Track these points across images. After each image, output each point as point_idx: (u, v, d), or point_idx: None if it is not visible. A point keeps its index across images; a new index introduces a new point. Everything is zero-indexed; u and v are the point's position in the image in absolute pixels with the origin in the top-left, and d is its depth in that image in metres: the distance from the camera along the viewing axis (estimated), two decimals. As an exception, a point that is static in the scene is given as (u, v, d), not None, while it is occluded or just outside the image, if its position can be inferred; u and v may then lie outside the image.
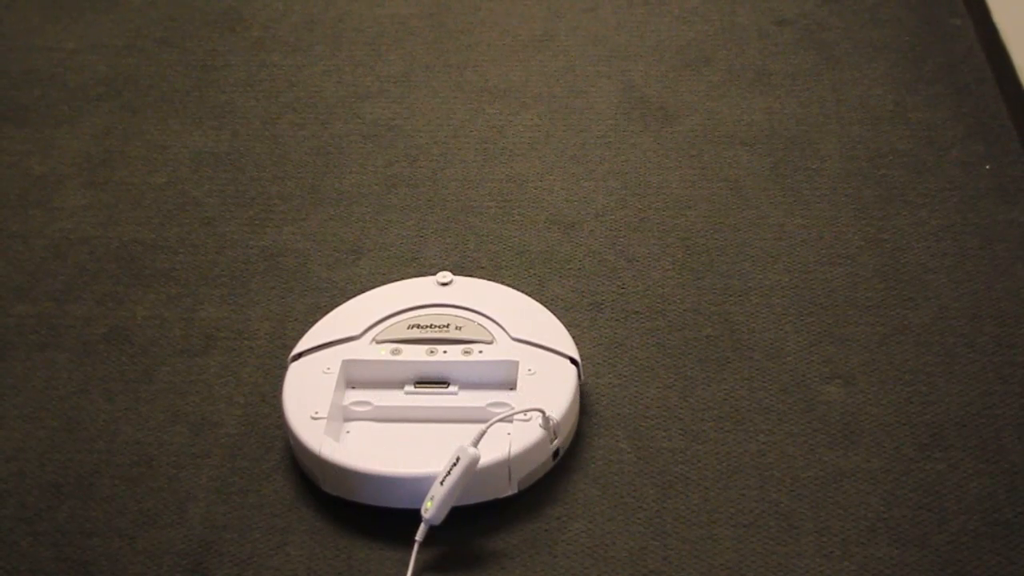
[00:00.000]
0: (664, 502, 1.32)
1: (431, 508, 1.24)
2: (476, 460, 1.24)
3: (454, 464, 1.24)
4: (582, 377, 1.40)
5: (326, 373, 1.38)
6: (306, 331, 1.46)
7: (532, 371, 1.36)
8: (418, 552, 1.25)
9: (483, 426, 1.26)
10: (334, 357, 1.39)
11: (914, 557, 1.25)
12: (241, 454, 1.40)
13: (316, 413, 1.33)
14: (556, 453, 1.34)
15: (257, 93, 1.96)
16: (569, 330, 1.49)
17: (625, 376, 1.46)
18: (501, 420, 1.28)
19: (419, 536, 1.25)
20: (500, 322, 1.42)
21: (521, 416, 1.30)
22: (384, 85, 1.96)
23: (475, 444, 1.25)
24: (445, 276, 1.47)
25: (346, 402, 1.38)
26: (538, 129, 1.84)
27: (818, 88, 1.88)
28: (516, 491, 1.30)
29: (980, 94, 1.84)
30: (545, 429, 1.30)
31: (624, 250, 1.63)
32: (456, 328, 1.41)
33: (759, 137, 1.80)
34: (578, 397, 1.38)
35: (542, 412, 1.30)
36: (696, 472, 1.34)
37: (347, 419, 1.37)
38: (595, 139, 1.82)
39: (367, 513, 1.30)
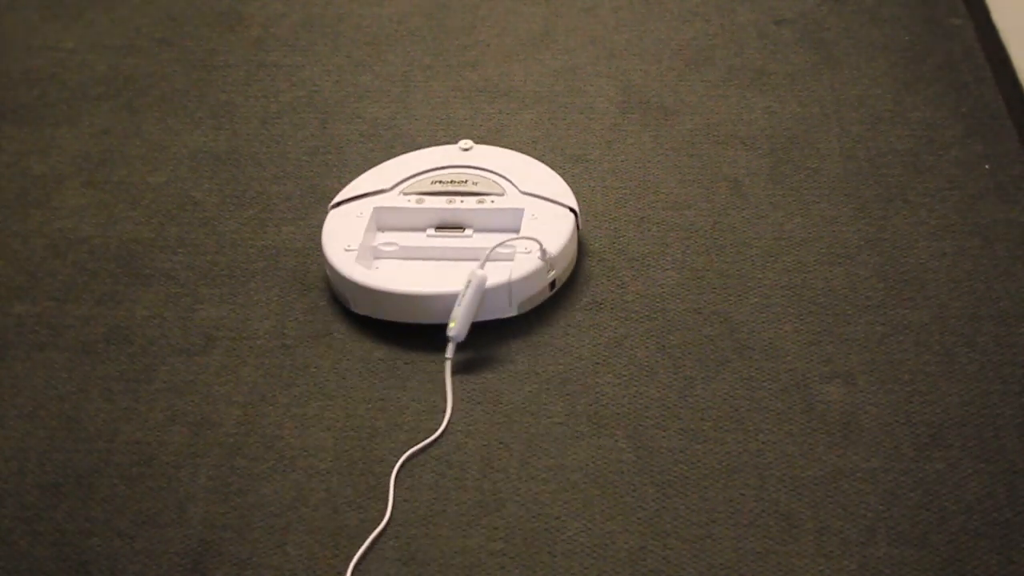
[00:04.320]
0: (663, 502, 1.32)
1: (455, 327, 1.45)
2: (484, 280, 1.47)
3: (467, 286, 1.46)
4: (580, 223, 1.59)
5: (359, 217, 1.60)
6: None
7: (535, 216, 1.57)
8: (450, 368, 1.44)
9: (488, 251, 1.49)
10: (367, 205, 1.63)
11: (913, 556, 1.25)
12: (240, 454, 1.40)
13: (348, 246, 1.56)
14: (553, 284, 1.54)
15: (257, 93, 1.96)
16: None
17: (625, 376, 1.46)
18: (502, 246, 1.51)
19: (449, 353, 1.45)
20: (510, 178, 1.63)
21: (523, 249, 1.51)
22: (384, 85, 1.96)
23: (482, 267, 1.48)
24: (467, 143, 1.68)
25: (376, 243, 1.60)
26: (538, 128, 1.84)
27: (817, 87, 1.88)
28: (516, 312, 1.51)
29: (979, 94, 1.84)
30: (542, 260, 1.50)
31: (624, 250, 1.63)
32: (473, 184, 1.62)
33: (758, 136, 1.80)
34: (575, 238, 1.58)
35: (539, 244, 1.50)
36: (695, 472, 1.35)
37: (376, 257, 1.60)
38: (594, 139, 1.82)
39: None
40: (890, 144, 1.76)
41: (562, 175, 1.68)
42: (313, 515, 1.33)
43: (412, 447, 1.38)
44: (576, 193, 1.64)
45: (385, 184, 1.65)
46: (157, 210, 1.75)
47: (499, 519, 1.31)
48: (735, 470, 1.34)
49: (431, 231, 1.61)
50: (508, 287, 1.49)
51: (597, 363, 1.48)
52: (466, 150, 1.67)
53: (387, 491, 1.34)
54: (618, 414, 1.41)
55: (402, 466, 1.37)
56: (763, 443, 1.37)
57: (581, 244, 1.62)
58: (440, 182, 1.63)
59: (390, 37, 2.07)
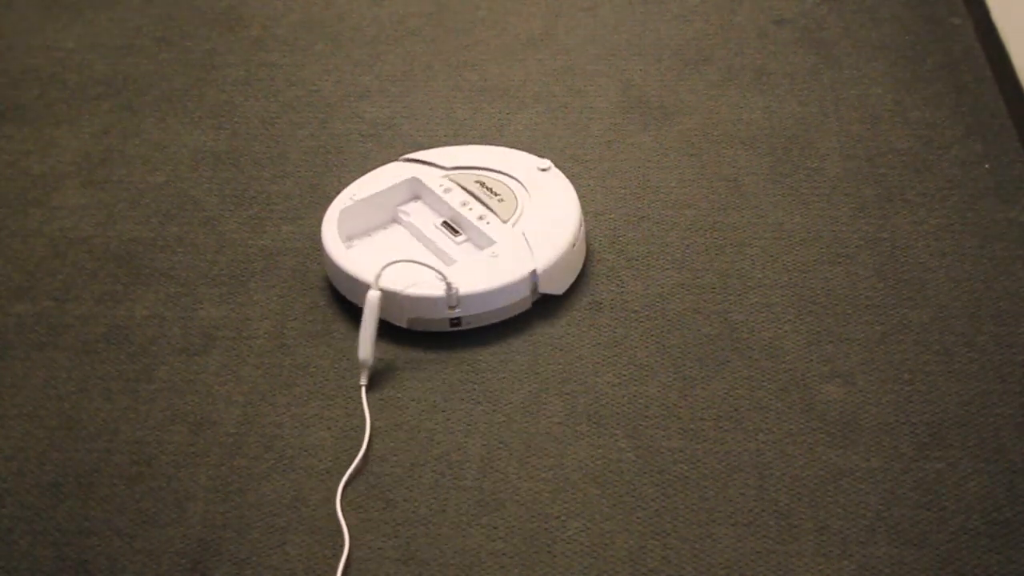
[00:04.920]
0: (663, 501, 1.32)
1: (360, 351, 1.46)
2: (376, 298, 1.47)
3: (365, 309, 1.47)
4: (536, 285, 1.53)
5: (399, 175, 1.66)
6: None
7: (495, 255, 1.54)
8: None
9: (380, 269, 1.48)
10: (417, 173, 1.66)
11: (913, 556, 1.25)
12: (240, 453, 1.40)
13: (356, 196, 1.63)
14: (456, 321, 1.51)
15: (256, 92, 1.96)
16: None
17: (625, 375, 1.46)
18: (398, 262, 1.50)
19: (363, 380, 1.46)
20: (523, 208, 1.60)
21: (437, 275, 1.49)
22: (384, 84, 1.96)
23: (375, 287, 1.47)
24: (545, 163, 1.66)
25: (400, 207, 1.65)
26: (537, 128, 1.84)
27: (817, 87, 1.88)
28: (405, 326, 1.52)
29: (979, 93, 1.85)
30: (447, 295, 1.48)
31: (624, 249, 1.63)
32: (499, 200, 1.61)
33: (758, 136, 1.80)
34: (505, 295, 1.51)
35: (445, 280, 1.48)
36: (695, 471, 1.35)
37: (393, 220, 1.65)
38: (594, 138, 1.82)
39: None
40: (890, 144, 1.77)
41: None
42: (313, 515, 1.33)
43: (347, 469, 1.38)
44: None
45: (447, 163, 1.67)
46: (157, 210, 1.75)
47: (499, 519, 1.31)
48: (735, 470, 1.34)
49: (437, 223, 1.62)
50: (400, 300, 1.50)
51: (597, 363, 1.48)
52: (543, 170, 1.65)
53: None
54: (618, 414, 1.41)
55: (343, 493, 1.35)
56: (763, 443, 1.37)
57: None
58: (480, 184, 1.63)
59: (390, 37, 2.07)
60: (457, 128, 1.85)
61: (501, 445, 1.39)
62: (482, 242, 1.57)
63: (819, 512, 1.30)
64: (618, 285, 1.58)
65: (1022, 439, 1.35)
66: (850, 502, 1.30)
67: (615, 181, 1.74)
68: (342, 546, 1.30)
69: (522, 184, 1.63)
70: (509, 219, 1.58)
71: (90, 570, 1.29)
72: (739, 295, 1.55)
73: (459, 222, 1.60)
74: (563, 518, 1.31)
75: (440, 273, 1.49)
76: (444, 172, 1.66)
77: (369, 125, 1.88)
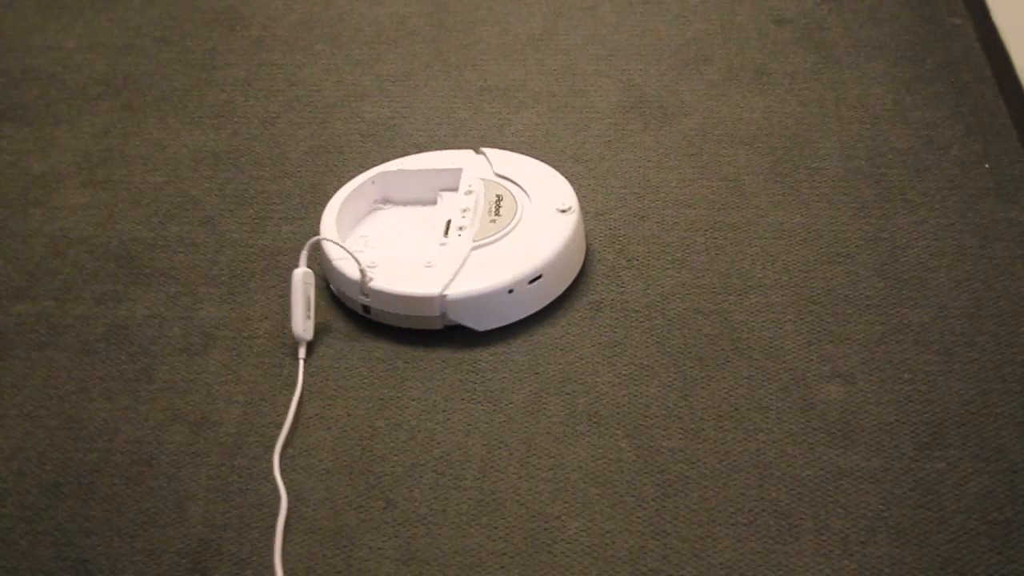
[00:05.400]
0: (663, 501, 1.32)
1: (295, 325, 1.50)
2: (300, 275, 1.51)
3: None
4: (445, 310, 1.50)
5: (447, 164, 1.67)
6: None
7: (430, 265, 1.53)
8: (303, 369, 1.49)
9: (306, 248, 1.53)
10: (470, 165, 1.67)
11: (913, 556, 1.25)
12: (241, 453, 1.40)
13: (405, 165, 1.69)
14: (367, 309, 1.54)
15: (256, 92, 1.96)
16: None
17: (625, 375, 1.46)
18: (324, 240, 1.56)
19: (301, 354, 1.50)
20: (502, 238, 1.56)
21: (355, 261, 1.52)
22: (384, 84, 1.96)
23: (303, 265, 1.52)
24: (565, 204, 1.59)
25: (441, 192, 1.66)
26: (537, 128, 1.84)
27: (817, 87, 1.88)
28: (335, 293, 1.57)
29: (979, 93, 1.84)
30: (360, 280, 1.51)
31: (624, 249, 1.63)
32: (491, 220, 1.58)
33: (758, 136, 1.80)
34: (408, 305, 1.51)
35: (360, 267, 1.51)
36: (695, 471, 1.35)
37: (431, 201, 1.67)
38: (594, 138, 1.82)
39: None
40: (890, 144, 1.77)
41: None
42: (313, 515, 1.33)
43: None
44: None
45: (499, 167, 1.66)
46: (157, 210, 1.75)
47: (499, 519, 1.31)
48: (735, 469, 1.34)
49: (447, 218, 1.61)
50: (330, 268, 1.56)
51: (597, 363, 1.48)
52: (562, 211, 1.58)
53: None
54: (618, 414, 1.41)
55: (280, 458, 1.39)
56: (763, 442, 1.37)
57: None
58: (498, 197, 1.61)
59: (390, 37, 2.07)
60: (457, 128, 1.85)
61: (501, 445, 1.39)
62: (447, 251, 1.55)
63: (819, 512, 1.30)
64: (618, 285, 1.58)
65: (1023, 439, 1.35)
66: (850, 502, 1.30)
67: (615, 181, 1.74)
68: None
69: (531, 216, 1.58)
70: (479, 240, 1.55)
71: (90, 570, 1.29)
72: (739, 295, 1.55)
73: (451, 224, 1.60)
74: (563, 518, 1.31)
75: (357, 260, 1.51)
76: (485, 177, 1.65)
77: (369, 125, 1.88)
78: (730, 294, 1.55)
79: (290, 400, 1.45)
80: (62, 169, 1.83)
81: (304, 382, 1.48)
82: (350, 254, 1.53)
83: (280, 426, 1.42)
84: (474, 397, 1.45)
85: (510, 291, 1.50)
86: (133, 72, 2.03)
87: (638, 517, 1.31)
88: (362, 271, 1.51)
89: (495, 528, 1.31)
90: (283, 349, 1.52)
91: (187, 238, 1.69)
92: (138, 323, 1.57)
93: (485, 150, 1.70)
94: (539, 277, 1.52)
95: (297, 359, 1.50)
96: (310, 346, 1.52)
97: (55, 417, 1.46)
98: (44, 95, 1.99)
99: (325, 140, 1.85)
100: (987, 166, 1.71)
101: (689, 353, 1.48)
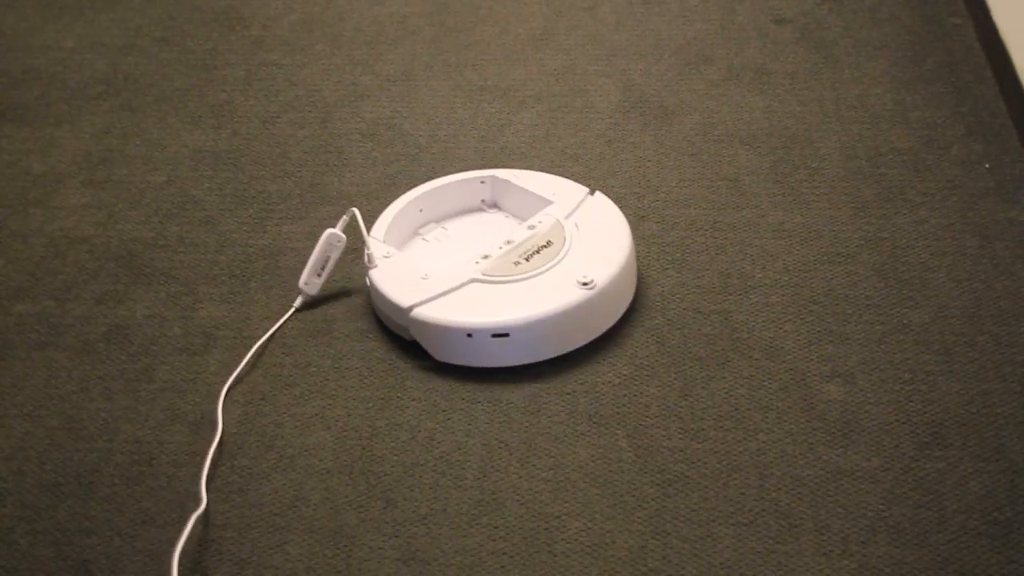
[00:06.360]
0: (664, 501, 1.32)
1: (303, 276, 1.56)
2: (327, 235, 1.56)
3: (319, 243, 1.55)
4: (408, 321, 1.48)
5: (529, 182, 1.65)
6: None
7: (426, 277, 1.50)
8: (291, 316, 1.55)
9: (346, 216, 1.57)
10: (548, 192, 1.63)
11: (913, 556, 1.25)
12: (241, 453, 1.40)
13: (483, 181, 1.68)
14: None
15: (256, 92, 1.96)
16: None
17: (625, 375, 1.46)
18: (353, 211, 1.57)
19: (296, 303, 1.57)
20: (518, 279, 1.49)
21: (369, 251, 1.54)
22: (384, 84, 1.96)
23: (338, 229, 1.57)
24: (589, 278, 1.48)
25: (527, 210, 1.63)
26: (538, 128, 1.84)
27: (817, 87, 1.88)
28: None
29: (980, 93, 1.85)
30: (368, 262, 1.54)
31: (624, 249, 1.63)
32: (525, 258, 1.52)
33: (758, 136, 1.80)
34: (386, 305, 1.51)
35: (368, 250, 1.53)
36: (695, 471, 1.35)
37: (515, 215, 1.66)
38: (594, 138, 1.82)
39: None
40: (890, 144, 1.77)
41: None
42: (313, 515, 1.33)
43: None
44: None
45: (575, 202, 1.60)
46: (157, 209, 1.75)
47: (499, 518, 1.31)
48: (735, 469, 1.34)
49: (506, 238, 1.55)
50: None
51: (597, 363, 1.48)
52: (585, 285, 1.47)
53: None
54: (618, 414, 1.41)
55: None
56: (763, 442, 1.37)
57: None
58: (548, 241, 1.54)
59: (390, 37, 2.07)
60: (457, 128, 1.85)
61: (501, 445, 1.39)
62: (450, 272, 1.51)
63: (819, 512, 1.30)
64: (618, 285, 1.58)
65: (1023, 439, 1.35)
66: (850, 502, 1.30)
67: (615, 181, 1.74)
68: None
69: (553, 276, 1.49)
70: (488, 276, 1.49)
71: (90, 570, 1.29)
72: (739, 294, 1.55)
73: (494, 248, 1.53)
74: (563, 518, 1.31)
75: (368, 245, 1.54)
76: (564, 219, 1.56)
77: (369, 125, 1.88)
78: (730, 294, 1.55)
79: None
80: (62, 169, 1.83)
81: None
82: (368, 246, 1.54)
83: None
84: (474, 397, 1.45)
85: (468, 335, 1.45)
86: (133, 72, 2.03)
87: (638, 517, 1.31)
88: (369, 255, 1.53)
89: (495, 528, 1.31)
90: (283, 349, 1.52)
91: (187, 238, 1.69)
92: (138, 323, 1.57)
93: (600, 194, 1.61)
94: (505, 335, 1.44)
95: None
96: (308, 347, 1.52)
97: (55, 417, 1.46)
98: (44, 95, 1.99)
99: (325, 140, 1.85)
100: (987, 166, 1.71)
101: (689, 353, 1.48)
